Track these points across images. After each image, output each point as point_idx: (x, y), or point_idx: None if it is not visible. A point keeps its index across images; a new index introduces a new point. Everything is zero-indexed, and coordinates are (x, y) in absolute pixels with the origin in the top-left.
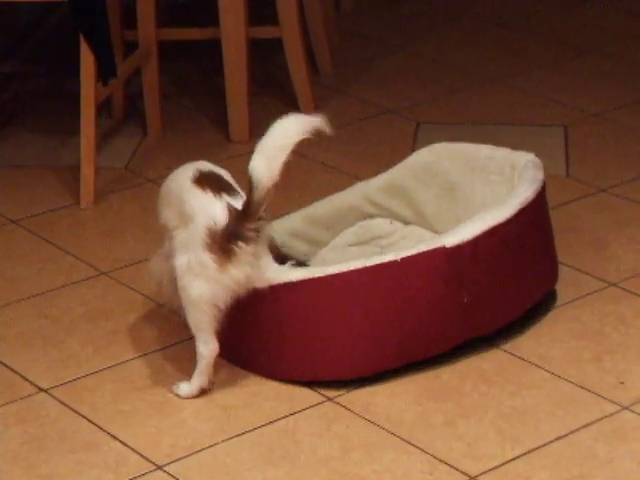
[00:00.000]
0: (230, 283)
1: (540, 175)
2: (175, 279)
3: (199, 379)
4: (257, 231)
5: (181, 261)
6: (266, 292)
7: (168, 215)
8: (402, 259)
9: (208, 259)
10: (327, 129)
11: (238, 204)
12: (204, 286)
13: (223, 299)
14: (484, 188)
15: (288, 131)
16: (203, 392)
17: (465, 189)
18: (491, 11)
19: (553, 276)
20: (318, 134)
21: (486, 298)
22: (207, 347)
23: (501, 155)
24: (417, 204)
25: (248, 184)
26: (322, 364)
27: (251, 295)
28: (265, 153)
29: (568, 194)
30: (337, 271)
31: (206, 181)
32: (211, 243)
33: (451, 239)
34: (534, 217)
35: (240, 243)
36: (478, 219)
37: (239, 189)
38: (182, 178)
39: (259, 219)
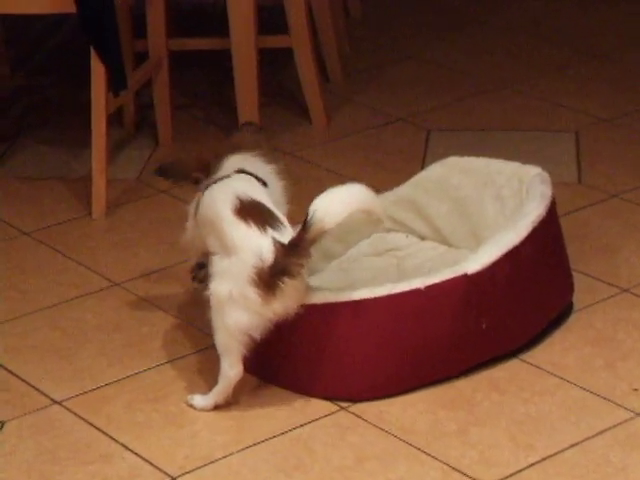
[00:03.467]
0: (271, 315)
1: (549, 190)
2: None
3: (216, 396)
4: (303, 265)
5: (221, 289)
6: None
7: (209, 240)
8: (426, 287)
9: (253, 294)
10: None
11: (282, 236)
12: (244, 316)
13: (260, 330)
14: (495, 203)
15: (360, 196)
16: (217, 407)
17: (476, 204)
18: (500, 17)
19: (569, 290)
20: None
21: (504, 321)
22: (232, 370)
23: (510, 169)
24: (431, 218)
25: (304, 221)
26: (339, 384)
27: None
28: (333, 199)
29: (580, 200)
30: (361, 297)
31: (248, 213)
32: (257, 280)
33: (472, 265)
34: (547, 234)
35: (286, 279)
36: (495, 242)
37: (279, 214)
38: (221, 207)
39: (307, 255)
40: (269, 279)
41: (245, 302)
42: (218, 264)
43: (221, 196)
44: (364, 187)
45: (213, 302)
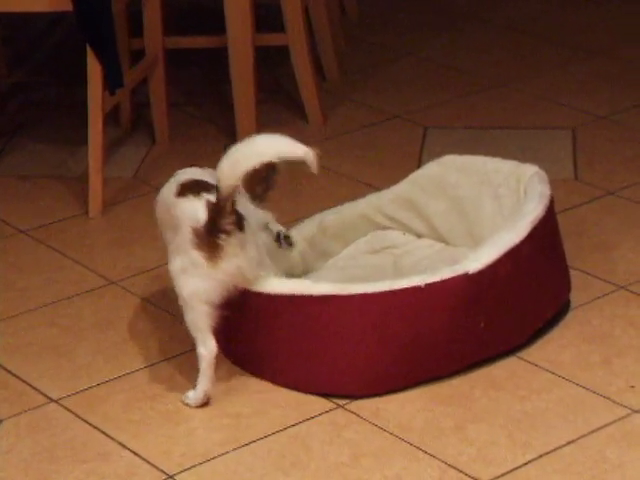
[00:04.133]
0: (222, 277)
1: (547, 190)
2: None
3: (202, 383)
4: (234, 224)
5: (174, 265)
6: (286, 303)
7: (166, 235)
8: (426, 285)
9: (198, 256)
10: (314, 166)
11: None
12: (198, 283)
13: (217, 295)
14: (492, 202)
15: (267, 145)
16: (210, 399)
17: (474, 202)
18: (497, 15)
19: (566, 288)
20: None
21: (502, 321)
22: (206, 347)
23: (508, 168)
24: (428, 217)
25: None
26: (335, 381)
27: (270, 304)
28: (234, 156)
29: (576, 197)
30: (360, 291)
31: (186, 188)
32: (198, 241)
33: (474, 265)
34: (546, 234)
35: (222, 236)
36: (495, 242)
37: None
38: (167, 197)
39: (231, 213)
40: (208, 238)
41: (195, 269)
42: (171, 246)
43: (165, 190)
44: (278, 138)
45: (173, 281)
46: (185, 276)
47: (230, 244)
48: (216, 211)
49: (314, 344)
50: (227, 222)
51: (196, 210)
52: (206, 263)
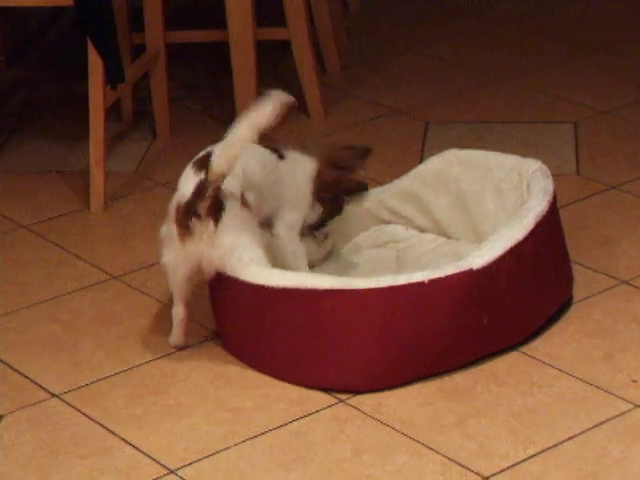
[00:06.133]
0: (188, 257)
1: (550, 185)
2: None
3: (173, 336)
4: (209, 210)
5: (162, 230)
6: (289, 296)
7: None
8: (429, 281)
9: (174, 230)
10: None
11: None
12: (171, 255)
13: (186, 271)
14: (495, 197)
15: (246, 126)
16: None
17: (477, 197)
18: (499, 10)
19: (569, 284)
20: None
21: (505, 317)
22: (175, 309)
23: (510, 163)
24: (431, 211)
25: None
26: (338, 375)
27: (273, 297)
28: (226, 143)
29: (578, 192)
30: (364, 286)
31: (199, 159)
32: (177, 216)
33: (478, 261)
34: (549, 230)
35: (193, 219)
36: (499, 238)
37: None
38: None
39: (210, 198)
40: (183, 217)
41: (170, 240)
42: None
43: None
44: (248, 120)
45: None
46: (165, 245)
47: (198, 229)
48: (198, 193)
49: (316, 338)
50: (202, 206)
51: (186, 185)
52: (178, 239)
